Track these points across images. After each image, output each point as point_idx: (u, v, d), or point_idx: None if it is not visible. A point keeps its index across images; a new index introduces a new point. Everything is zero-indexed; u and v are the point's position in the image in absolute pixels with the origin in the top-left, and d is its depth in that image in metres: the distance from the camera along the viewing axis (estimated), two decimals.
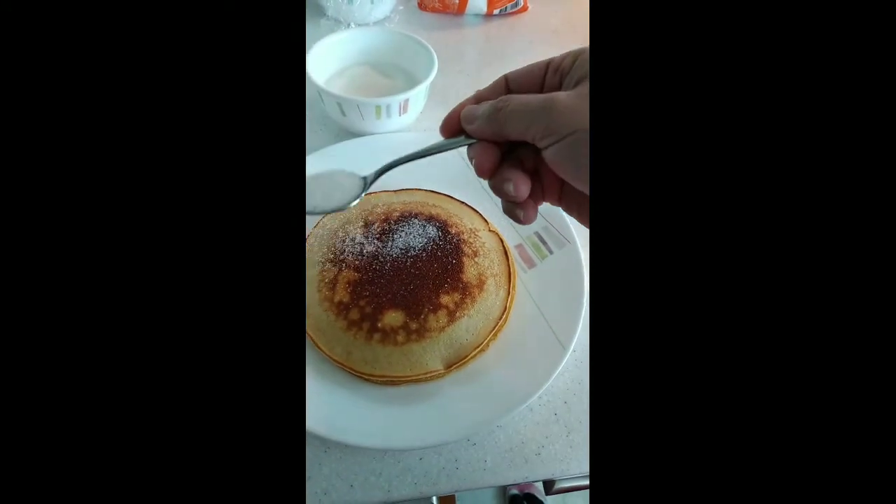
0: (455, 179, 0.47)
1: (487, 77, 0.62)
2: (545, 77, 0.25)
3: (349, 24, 0.65)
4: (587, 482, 0.42)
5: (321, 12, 0.67)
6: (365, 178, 0.31)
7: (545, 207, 0.44)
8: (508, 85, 0.27)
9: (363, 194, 0.30)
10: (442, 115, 0.58)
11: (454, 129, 0.27)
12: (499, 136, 0.25)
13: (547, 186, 0.27)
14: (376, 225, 0.41)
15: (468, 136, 0.26)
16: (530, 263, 0.42)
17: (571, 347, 0.35)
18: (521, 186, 0.25)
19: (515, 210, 0.27)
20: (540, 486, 1.08)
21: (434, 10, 0.71)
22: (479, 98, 0.27)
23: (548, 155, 0.23)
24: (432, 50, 0.51)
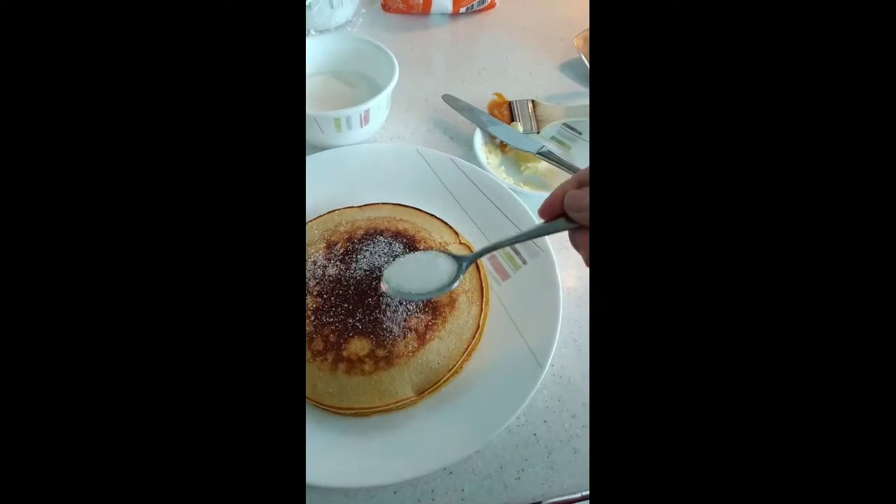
0: (423, 190, 0.45)
1: (456, 79, 0.61)
2: None
3: (309, 31, 0.63)
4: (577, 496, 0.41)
5: None
6: (460, 265, 0.31)
7: (516, 215, 0.43)
8: None
9: (460, 278, 0.30)
10: (409, 120, 0.56)
11: (555, 212, 0.26)
12: None
13: None
14: (339, 245, 0.39)
15: (569, 219, 0.25)
16: (504, 275, 0.41)
17: (548, 364, 0.34)
18: None
19: None
20: None
21: (398, 11, 0.69)
22: (580, 182, 0.26)
23: None
24: (393, 56, 0.49)
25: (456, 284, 0.29)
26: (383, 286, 0.30)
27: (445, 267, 0.31)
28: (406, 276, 0.31)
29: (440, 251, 0.32)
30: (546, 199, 0.26)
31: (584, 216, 0.24)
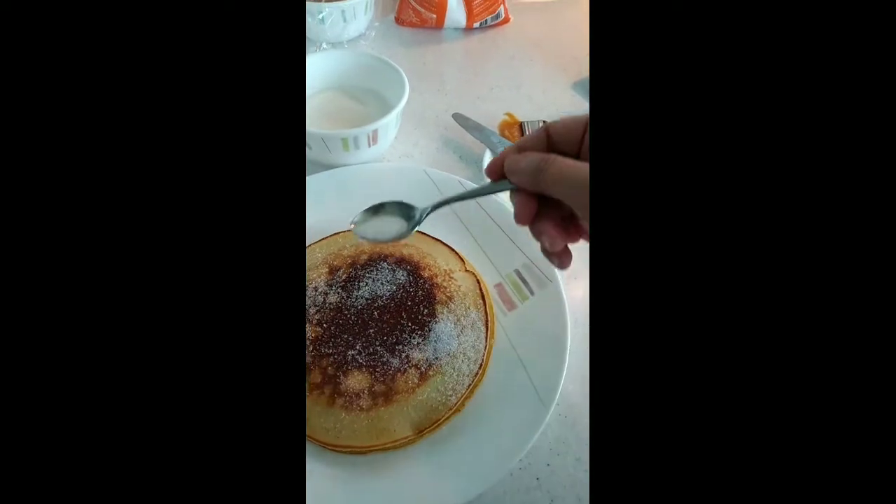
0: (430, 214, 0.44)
1: (467, 98, 0.60)
2: (584, 135, 0.26)
3: (321, 44, 0.62)
4: None
5: None
6: (413, 218, 0.32)
7: (525, 241, 0.41)
8: (549, 136, 0.28)
9: (413, 231, 0.31)
10: (418, 139, 0.55)
11: (498, 173, 0.29)
12: (539, 192, 0.26)
13: (584, 230, 0.28)
14: (342, 271, 0.38)
15: (510, 182, 0.28)
16: (511, 306, 0.39)
17: (553, 404, 0.32)
18: (556, 240, 0.27)
19: (551, 256, 0.29)
20: None
21: (412, 25, 0.68)
22: (521, 147, 0.28)
23: (585, 224, 0.26)
24: (403, 74, 0.48)
25: (413, 231, 0.31)
26: (350, 225, 0.32)
27: (406, 217, 0.32)
28: (372, 224, 0.32)
29: (399, 203, 0.33)
30: (490, 162, 0.29)
31: (518, 178, 0.27)
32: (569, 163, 0.24)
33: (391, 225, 0.32)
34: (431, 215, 0.45)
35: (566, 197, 0.24)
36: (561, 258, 0.28)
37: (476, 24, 0.68)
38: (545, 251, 0.29)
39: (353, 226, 0.32)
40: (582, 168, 0.24)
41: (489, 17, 0.68)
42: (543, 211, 0.27)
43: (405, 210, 0.32)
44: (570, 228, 0.28)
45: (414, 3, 0.66)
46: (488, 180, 0.46)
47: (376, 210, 0.32)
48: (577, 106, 0.58)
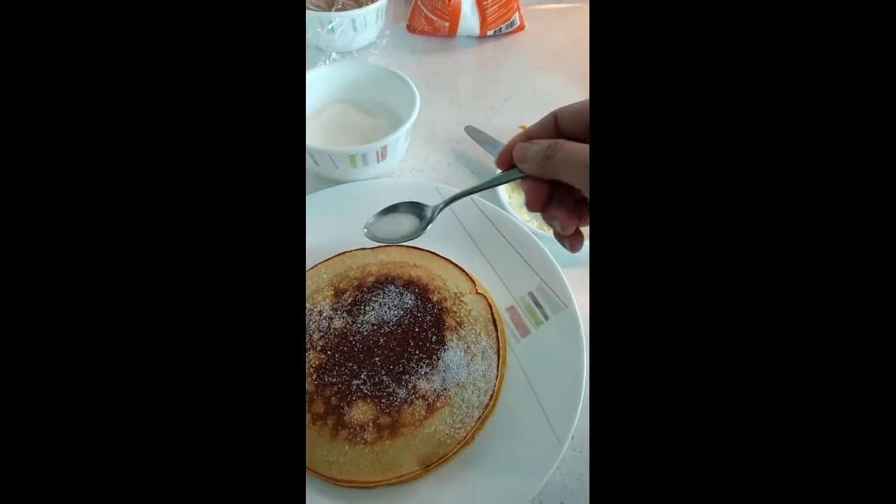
0: (440, 230, 0.42)
1: (480, 109, 0.58)
2: None
3: (331, 54, 0.61)
4: None
5: None
6: (425, 216, 0.32)
7: (540, 262, 0.40)
8: (557, 123, 0.28)
9: (425, 229, 0.31)
10: (429, 153, 0.54)
11: (507, 163, 0.29)
12: (548, 178, 0.26)
13: None
14: (347, 294, 0.36)
15: (520, 170, 0.28)
16: (524, 331, 0.37)
17: (568, 440, 0.31)
18: (566, 224, 0.28)
19: (563, 241, 0.29)
20: None
21: (424, 33, 0.67)
22: (528, 135, 0.28)
23: None
24: (414, 88, 0.46)
25: (427, 228, 0.31)
26: (363, 229, 0.31)
27: (418, 216, 0.32)
28: (384, 225, 0.32)
29: (410, 203, 0.32)
30: (500, 152, 0.30)
31: (528, 166, 0.27)
32: (575, 145, 0.25)
33: (402, 225, 0.32)
34: (442, 234, 0.43)
35: (574, 179, 0.25)
36: (573, 241, 0.29)
37: (490, 32, 0.66)
38: (558, 236, 0.29)
39: (365, 230, 0.31)
40: (587, 151, 0.24)
41: (503, 25, 0.66)
42: (555, 197, 0.28)
43: (417, 209, 0.32)
44: (582, 212, 0.28)
45: (426, 11, 0.64)
46: (503, 197, 0.44)
47: (388, 212, 0.32)
48: None
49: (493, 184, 0.30)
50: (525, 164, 0.27)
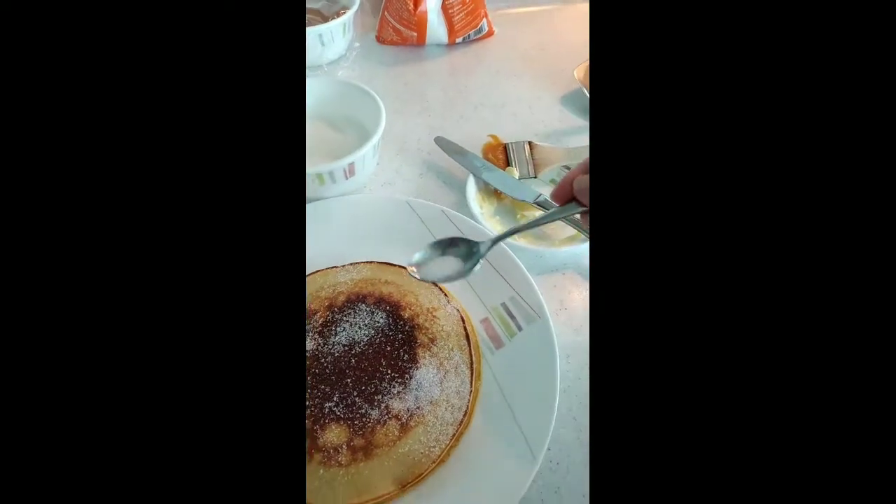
0: (413, 245, 0.42)
1: (450, 118, 0.58)
2: None
3: None
4: None
5: None
6: (479, 249, 0.32)
7: (511, 272, 0.40)
8: None
9: (473, 270, 0.32)
10: (400, 165, 0.54)
11: (566, 196, 0.29)
12: None
13: None
14: (318, 315, 0.36)
15: (580, 203, 0.28)
16: (498, 343, 0.37)
17: (542, 454, 0.31)
18: None
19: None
20: None
21: (393, 43, 0.67)
22: (587, 168, 0.28)
23: None
24: (380, 102, 0.46)
25: (475, 268, 0.31)
26: (410, 269, 0.32)
27: (466, 252, 0.33)
28: (433, 263, 0.33)
29: (459, 238, 0.33)
30: (557, 186, 0.29)
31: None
32: None
33: (451, 264, 0.32)
34: (415, 248, 0.43)
35: None
36: None
37: (459, 40, 0.66)
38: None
39: (413, 269, 0.32)
40: None
41: (472, 32, 0.66)
42: None
43: (466, 246, 0.33)
44: None
45: (393, 21, 0.64)
46: (474, 208, 0.44)
47: (437, 248, 0.33)
48: (565, 122, 0.57)
49: (549, 219, 0.31)
50: (588, 197, 0.26)
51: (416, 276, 0.32)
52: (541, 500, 0.32)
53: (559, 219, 0.29)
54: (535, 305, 0.37)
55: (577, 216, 0.31)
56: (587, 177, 0.27)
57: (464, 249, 0.32)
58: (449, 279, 0.32)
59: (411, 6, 0.61)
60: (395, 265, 0.40)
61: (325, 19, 0.60)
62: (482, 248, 0.32)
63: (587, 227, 0.28)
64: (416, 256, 0.33)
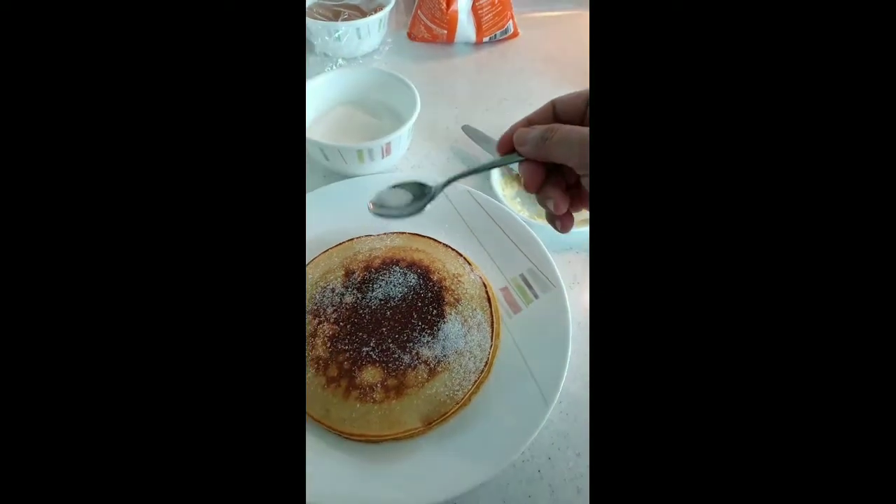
0: (440, 220, 0.47)
1: (477, 111, 0.62)
2: (586, 108, 0.30)
3: (338, 60, 0.66)
4: None
5: (309, 49, 0.68)
6: (427, 194, 0.36)
7: (530, 247, 0.44)
8: (555, 111, 0.31)
9: (426, 205, 0.35)
10: (430, 150, 0.58)
11: (508, 147, 0.32)
12: (545, 160, 0.29)
13: (584, 198, 0.32)
14: (357, 273, 0.40)
15: (519, 154, 0.31)
16: (516, 308, 0.41)
17: (555, 402, 0.34)
18: (560, 204, 0.30)
19: (555, 221, 0.32)
20: None
21: (423, 40, 0.71)
22: (529, 121, 0.31)
23: (584, 182, 0.28)
24: (415, 89, 0.51)
25: (427, 207, 0.34)
26: (369, 205, 0.35)
27: (417, 193, 0.36)
28: (388, 198, 0.35)
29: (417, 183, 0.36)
30: (501, 136, 0.32)
31: (526, 149, 0.30)
32: (570, 128, 0.28)
33: (404, 200, 0.35)
34: (441, 223, 0.47)
35: (569, 159, 0.27)
36: (564, 222, 0.32)
37: (486, 39, 0.70)
38: (550, 217, 0.32)
39: (371, 206, 0.35)
40: (582, 131, 0.27)
41: (498, 32, 0.71)
42: (550, 179, 0.31)
43: (419, 188, 0.35)
44: (574, 195, 0.31)
45: (425, 20, 0.69)
46: (497, 190, 0.48)
47: (393, 188, 0.35)
48: None
49: (491, 166, 0.34)
50: (524, 146, 0.30)
51: (374, 212, 0.34)
52: (551, 443, 0.36)
53: (501, 165, 0.33)
54: (551, 276, 0.41)
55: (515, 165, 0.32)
56: (525, 129, 0.30)
57: (418, 190, 0.35)
58: (401, 215, 0.34)
59: (444, 5, 0.65)
60: (425, 236, 0.44)
61: (364, 14, 0.65)
62: (434, 190, 0.35)
63: (521, 172, 0.31)
64: (374, 196, 0.35)
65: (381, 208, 0.35)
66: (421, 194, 0.35)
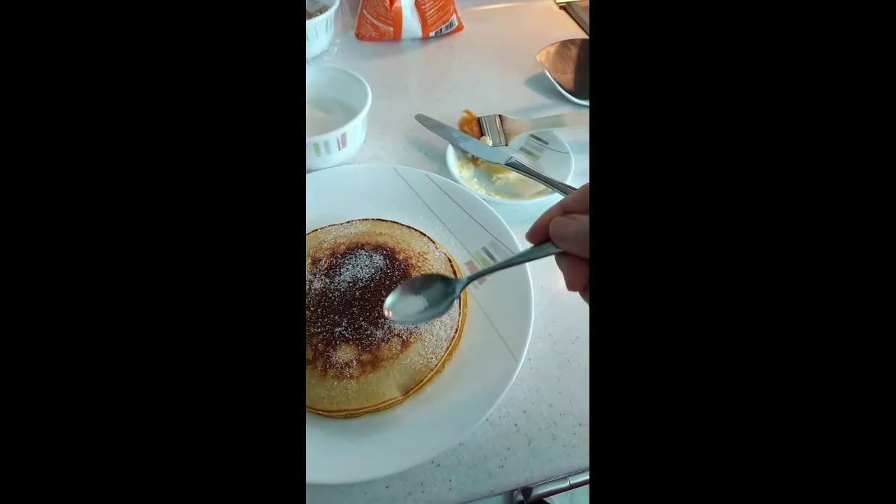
0: (401, 205, 0.48)
1: (429, 99, 0.64)
2: None
3: None
4: (565, 485, 0.43)
5: None
6: (454, 290, 0.32)
7: (490, 222, 0.46)
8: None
9: (454, 300, 0.32)
10: (385, 141, 0.60)
11: (541, 237, 0.27)
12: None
13: None
14: (323, 261, 0.41)
15: (555, 245, 0.26)
16: (481, 279, 0.43)
17: (523, 357, 0.36)
18: (577, 285, 0.25)
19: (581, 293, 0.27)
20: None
21: (371, 39, 0.73)
22: (564, 208, 0.26)
23: None
24: (365, 82, 0.52)
25: (448, 307, 0.32)
26: (386, 313, 0.32)
27: (440, 291, 0.33)
28: (405, 302, 0.33)
29: (433, 275, 0.34)
30: (533, 225, 0.27)
31: (568, 244, 0.25)
32: None
33: (425, 303, 0.32)
34: (403, 207, 0.49)
35: None
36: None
37: (432, 34, 0.73)
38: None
39: (388, 313, 0.31)
40: None
41: (443, 27, 0.73)
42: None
43: (441, 284, 0.32)
44: None
45: (371, 18, 0.71)
46: (454, 173, 0.50)
47: (410, 287, 0.32)
48: (530, 100, 0.64)
49: (523, 259, 0.29)
50: (566, 241, 0.25)
51: (393, 318, 0.32)
52: (525, 398, 0.38)
53: (534, 259, 0.27)
54: (511, 246, 0.44)
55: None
56: (564, 219, 0.25)
57: (438, 289, 0.32)
58: (423, 319, 0.31)
59: (387, 3, 0.67)
60: (388, 220, 0.46)
61: (310, 17, 0.66)
62: (457, 287, 0.32)
63: (562, 269, 0.26)
64: (389, 299, 0.32)
65: (399, 315, 0.32)
66: (443, 291, 0.32)
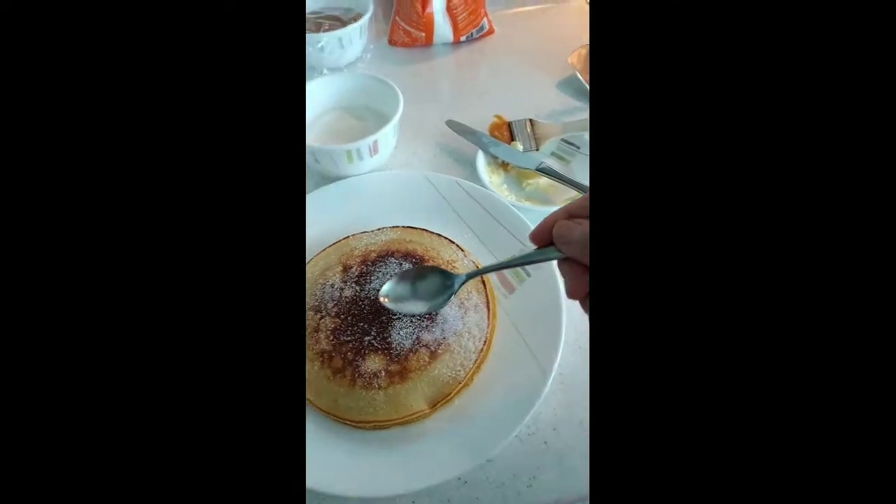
0: (431, 212, 0.48)
1: (459, 105, 0.64)
2: None
3: (322, 70, 0.68)
4: None
5: None
6: (452, 284, 0.34)
7: (518, 230, 0.45)
8: None
9: (452, 295, 0.34)
10: (417, 147, 0.60)
11: (544, 240, 0.27)
12: None
13: None
14: (354, 268, 0.42)
15: (559, 250, 0.26)
16: (510, 288, 0.42)
17: (553, 373, 0.35)
18: (578, 293, 0.25)
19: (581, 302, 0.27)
20: None
21: (404, 45, 0.73)
22: (569, 213, 0.26)
23: None
24: (397, 88, 0.52)
25: (446, 302, 0.33)
26: (382, 299, 0.33)
27: (439, 285, 0.34)
28: (403, 292, 0.35)
29: (434, 268, 0.35)
30: (536, 227, 0.27)
31: (571, 249, 0.24)
32: None
33: (422, 293, 0.34)
34: (432, 214, 0.49)
35: None
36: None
37: (463, 38, 0.72)
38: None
39: (384, 299, 0.34)
40: None
41: (474, 31, 0.72)
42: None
43: (440, 277, 0.34)
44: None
45: (403, 24, 0.71)
46: (484, 179, 0.50)
47: (407, 279, 0.34)
48: (561, 103, 0.62)
49: (524, 262, 0.29)
50: (569, 246, 0.24)
51: (388, 305, 0.33)
52: (555, 415, 0.37)
53: (537, 261, 0.27)
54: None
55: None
56: (568, 223, 0.25)
57: (437, 282, 0.33)
58: (418, 311, 0.33)
59: (419, 8, 0.67)
60: (418, 228, 0.45)
61: (344, 24, 0.67)
62: (456, 283, 0.33)
63: (564, 275, 0.26)
64: (385, 289, 0.34)
65: (396, 303, 0.34)
66: (442, 285, 0.34)
